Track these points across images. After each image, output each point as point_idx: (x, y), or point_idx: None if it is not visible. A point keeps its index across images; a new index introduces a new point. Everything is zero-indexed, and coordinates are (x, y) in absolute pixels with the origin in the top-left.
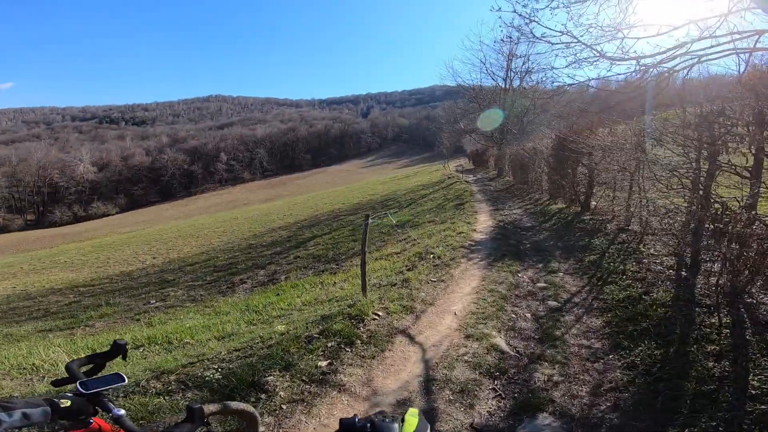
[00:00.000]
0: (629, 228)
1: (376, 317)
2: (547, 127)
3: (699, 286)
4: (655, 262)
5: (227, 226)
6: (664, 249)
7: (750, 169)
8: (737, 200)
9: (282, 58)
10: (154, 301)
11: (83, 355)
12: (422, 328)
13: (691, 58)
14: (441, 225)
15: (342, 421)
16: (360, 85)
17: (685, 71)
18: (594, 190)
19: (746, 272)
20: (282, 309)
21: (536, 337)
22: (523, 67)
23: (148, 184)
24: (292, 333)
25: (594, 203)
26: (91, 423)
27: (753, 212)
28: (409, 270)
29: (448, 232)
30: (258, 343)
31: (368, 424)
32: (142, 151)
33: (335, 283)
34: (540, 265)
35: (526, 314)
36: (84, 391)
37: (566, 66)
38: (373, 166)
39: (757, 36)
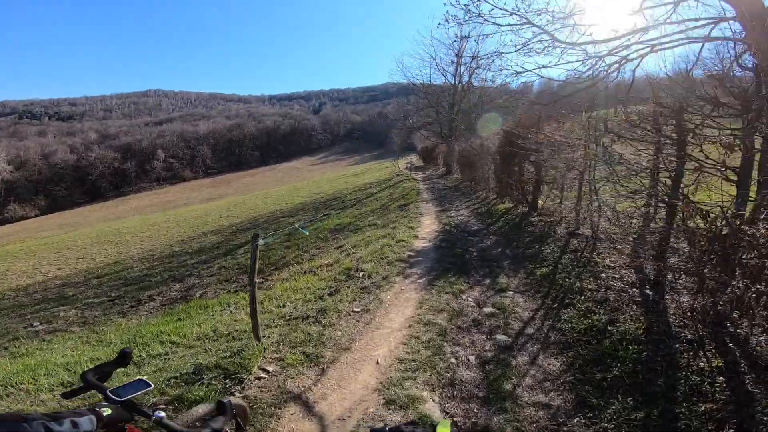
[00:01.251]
0: (579, 232)
1: (264, 375)
2: (494, 122)
3: (671, 312)
4: (614, 278)
5: (154, 230)
6: (621, 260)
7: (736, 169)
8: (720, 206)
9: (231, 53)
10: (38, 323)
11: (93, 366)
12: (328, 389)
13: (644, 47)
14: (382, 230)
15: (373, 431)
16: (313, 81)
17: (639, 60)
18: (542, 189)
19: (733, 297)
20: (170, 343)
21: (481, 395)
22: (473, 62)
23: (72, 183)
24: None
25: (541, 202)
26: (126, 430)
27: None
28: (330, 294)
29: (386, 240)
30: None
31: None
32: (66, 148)
33: (246, 306)
34: (488, 281)
35: (470, 357)
36: (118, 399)
37: (515, 51)
38: (324, 164)
39: (712, 25)
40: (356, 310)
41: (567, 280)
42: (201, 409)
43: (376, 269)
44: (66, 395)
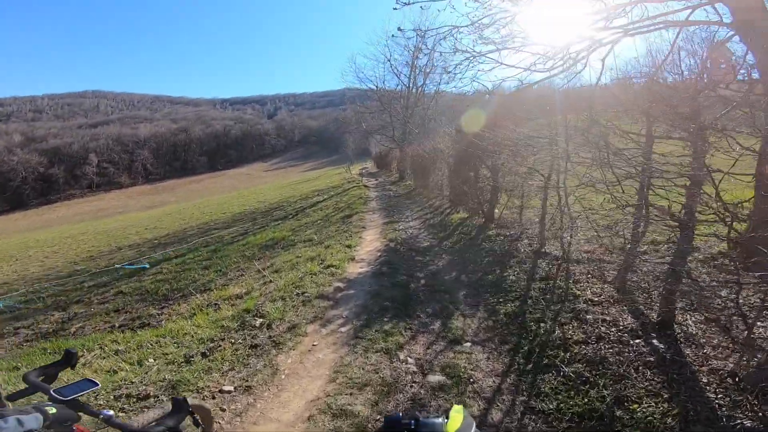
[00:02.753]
0: (546, 251)
1: None
2: (449, 125)
3: (705, 379)
4: (605, 320)
5: (66, 244)
6: (606, 291)
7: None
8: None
9: (181, 54)
10: None
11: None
12: None
13: (617, 32)
14: (316, 248)
15: (387, 418)
16: (270, 86)
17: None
18: (499, 197)
19: None
20: None
21: None
22: (427, 65)
23: None
24: None
25: (497, 212)
26: (74, 431)
27: None
28: (204, 354)
29: (313, 264)
30: None
31: (413, 421)
32: None
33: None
34: (437, 325)
35: None
36: (62, 398)
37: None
38: (278, 170)
39: (691, 10)
40: (227, 388)
41: (542, 324)
42: (156, 408)
43: (282, 313)
44: (11, 397)
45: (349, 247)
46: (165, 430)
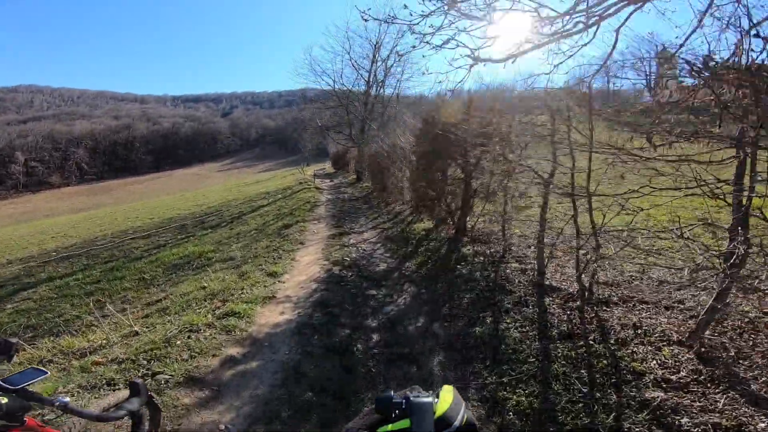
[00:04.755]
0: (551, 284)
1: None
2: (411, 117)
3: None
4: (714, 426)
5: None
6: (683, 362)
7: None
8: None
9: (131, 49)
10: None
11: None
12: None
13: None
14: (231, 274)
15: (378, 398)
16: (227, 84)
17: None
18: (472, 203)
19: None
20: None
21: None
22: (390, 58)
23: None
24: None
25: (469, 221)
26: (26, 421)
27: None
28: None
29: (204, 312)
30: None
31: (404, 401)
32: None
33: None
34: None
35: None
36: (12, 387)
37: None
38: (231, 170)
39: None
40: None
41: None
42: (114, 393)
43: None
44: None
45: (273, 275)
46: (126, 413)
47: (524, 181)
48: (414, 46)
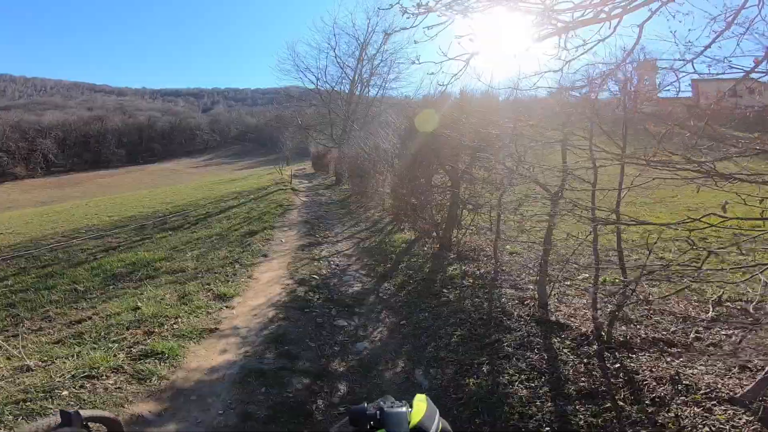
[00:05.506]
0: (558, 320)
1: None
2: (396, 117)
3: None
4: None
5: None
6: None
7: None
8: None
9: (111, 40)
10: None
11: None
12: None
13: None
14: (174, 291)
15: (351, 410)
16: (209, 80)
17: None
18: (459, 215)
19: None
20: None
21: None
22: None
23: None
24: None
25: (456, 234)
26: None
27: None
28: None
29: (114, 351)
30: None
31: (378, 412)
32: None
33: None
34: None
35: None
36: None
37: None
38: (208, 167)
39: None
40: None
41: None
42: (43, 421)
43: None
44: None
45: (221, 298)
46: None
47: (524, 195)
48: (404, 28)
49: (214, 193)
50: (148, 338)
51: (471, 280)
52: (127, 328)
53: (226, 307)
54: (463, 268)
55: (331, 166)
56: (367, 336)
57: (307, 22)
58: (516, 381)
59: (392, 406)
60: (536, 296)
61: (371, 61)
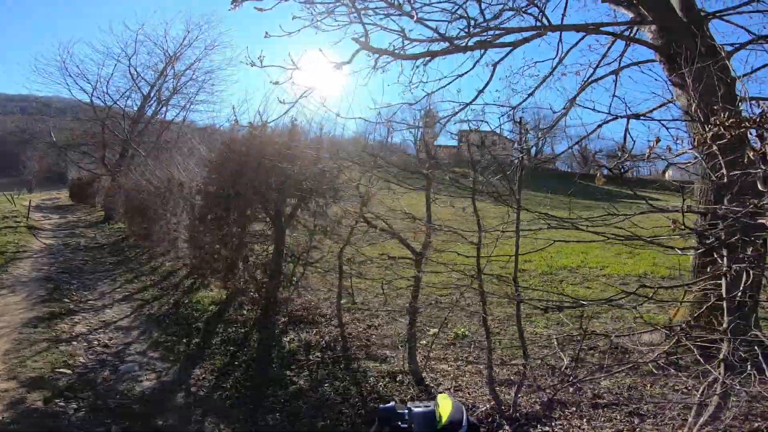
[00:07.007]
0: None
1: None
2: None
3: None
4: None
5: None
6: None
7: None
8: None
9: None
10: None
11: None
12: None
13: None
14: None
15: (381, 409)
16: None
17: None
18: (284, 261)
19: None
20: None
21: None
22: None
23: None
24: None
25: (283, 292)
26: None
27: None
28: None
29: None
30: None
31: (407, 411)
32: None
33: None
34: None
35: None
36: None
37: None
38: None
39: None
40: None
41: None
42: None
43: None
44: None
45: None
46: None
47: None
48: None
49: None
50: None
51: (319, 354)
52: None
53: None
54: (303, 336)
55: (99, 198)
56: None
57: (100, 20)
58: None
59: (419, 406)
60: (406, 368)
61: (177, 77)
